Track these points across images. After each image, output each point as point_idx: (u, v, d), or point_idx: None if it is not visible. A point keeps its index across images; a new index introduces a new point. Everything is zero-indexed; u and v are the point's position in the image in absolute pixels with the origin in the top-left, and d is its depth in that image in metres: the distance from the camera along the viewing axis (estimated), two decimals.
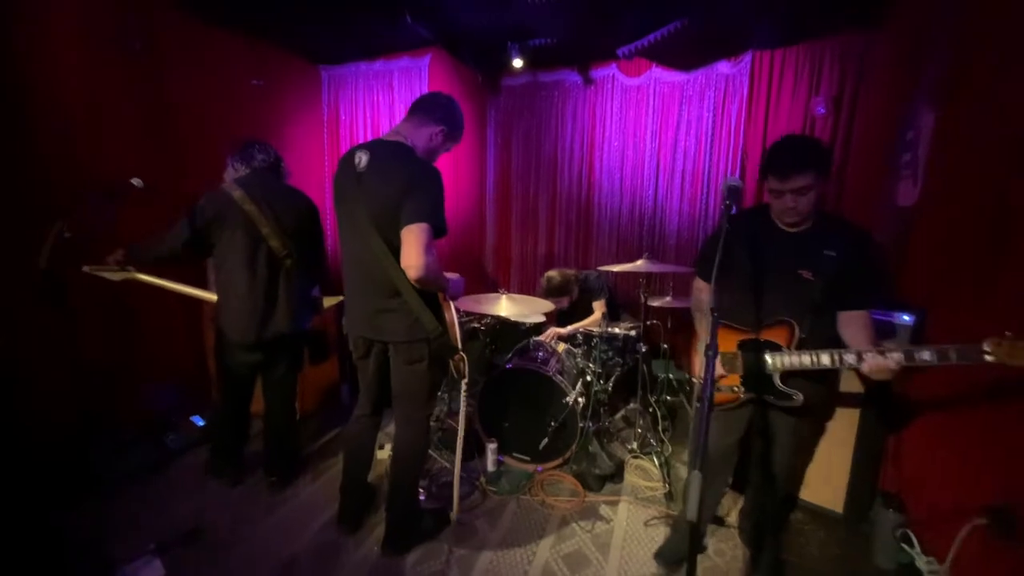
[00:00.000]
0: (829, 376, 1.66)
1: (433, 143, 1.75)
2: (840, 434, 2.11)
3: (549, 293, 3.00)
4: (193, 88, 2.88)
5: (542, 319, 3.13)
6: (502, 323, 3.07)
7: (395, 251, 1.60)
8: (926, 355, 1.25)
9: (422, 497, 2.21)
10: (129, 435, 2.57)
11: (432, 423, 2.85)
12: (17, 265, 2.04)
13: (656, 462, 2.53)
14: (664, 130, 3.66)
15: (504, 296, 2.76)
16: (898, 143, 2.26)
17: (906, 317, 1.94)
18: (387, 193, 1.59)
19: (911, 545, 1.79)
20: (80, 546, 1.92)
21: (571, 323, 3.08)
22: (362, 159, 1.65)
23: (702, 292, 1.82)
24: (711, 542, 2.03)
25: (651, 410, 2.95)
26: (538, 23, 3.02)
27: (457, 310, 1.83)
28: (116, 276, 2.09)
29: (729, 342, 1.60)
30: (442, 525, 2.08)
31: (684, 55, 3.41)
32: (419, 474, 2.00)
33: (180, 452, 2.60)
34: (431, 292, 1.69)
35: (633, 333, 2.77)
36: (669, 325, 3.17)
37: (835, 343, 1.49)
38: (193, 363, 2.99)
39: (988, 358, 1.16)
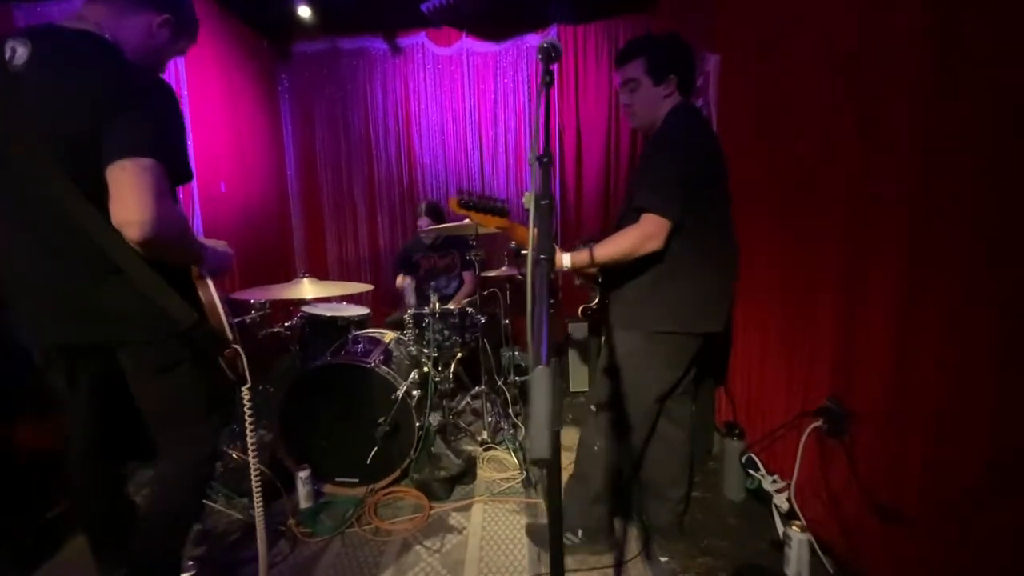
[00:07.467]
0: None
1: (156, 40, 1.13)
2: None
3: (427, 212, 3.01)
4: None
5: (365, 311, 2.60)
6: (312, 323, 2.43)
7: (98, 200, 0.96)
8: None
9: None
10: None
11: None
12: None
13: (510, 448, 2.22)
14: (482, 104, 3.49)
15: (305, 279, 2.18)
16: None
17: None
18: (71, 107, 0.96)
19: (756, 469, 1.79)
20: None
21: (433, 281, 3.02)
22: (17, 51, 0.98)
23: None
24: None
25: (499, 393, 2.65)
26: None
27: (220, 294, 1.21)
28: None
29: None
30: None
31: (491, 23, 3.30)
32: (189, 527, 1.31)
33: None
34: (173, 264, 1.07)
35: (470, 309, 2.44)
36: (508, 300, 2.92)
37: None
38: None
39: None
